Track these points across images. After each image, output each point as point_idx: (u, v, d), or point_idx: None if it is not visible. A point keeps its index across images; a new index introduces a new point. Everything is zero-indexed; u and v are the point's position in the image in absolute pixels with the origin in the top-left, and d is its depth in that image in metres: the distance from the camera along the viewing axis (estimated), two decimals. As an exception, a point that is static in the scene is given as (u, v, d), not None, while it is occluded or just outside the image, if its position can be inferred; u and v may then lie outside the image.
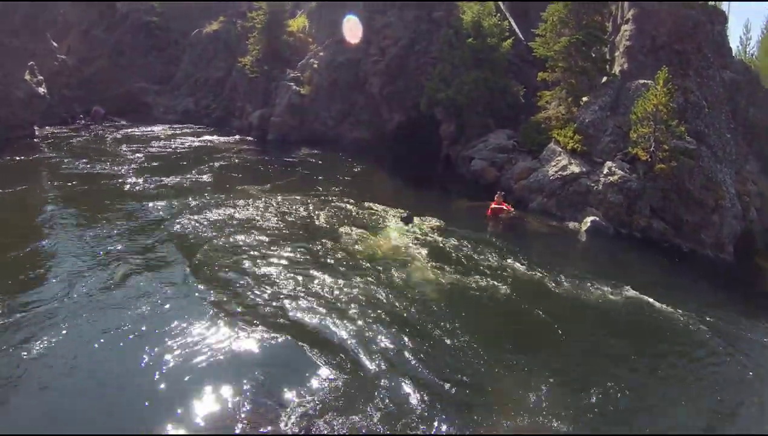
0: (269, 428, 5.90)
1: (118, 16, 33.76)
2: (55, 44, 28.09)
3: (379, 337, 7.85)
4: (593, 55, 17.80)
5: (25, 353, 6.86)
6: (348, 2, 23.93)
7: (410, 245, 11.79)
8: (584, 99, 17.60)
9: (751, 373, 8.53)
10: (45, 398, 6.22)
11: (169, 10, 33.23)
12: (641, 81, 16.81)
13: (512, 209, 14.98)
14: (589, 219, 14.71)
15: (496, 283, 10.54)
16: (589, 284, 11.36)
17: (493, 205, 14.96)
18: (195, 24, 31.92)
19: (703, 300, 11.37)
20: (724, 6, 25.52)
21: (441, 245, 12.12)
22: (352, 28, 23.43)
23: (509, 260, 11.80)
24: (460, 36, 19.66)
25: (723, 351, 9.10)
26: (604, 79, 17.83)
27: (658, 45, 17.81)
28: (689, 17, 18.03)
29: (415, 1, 22.40)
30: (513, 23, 21.23)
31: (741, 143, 19.65)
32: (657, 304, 10.51)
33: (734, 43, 28.07)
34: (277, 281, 9.37)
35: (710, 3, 19.46)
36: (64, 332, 7.36)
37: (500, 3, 21.69)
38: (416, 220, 13.24)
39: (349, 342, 7.64)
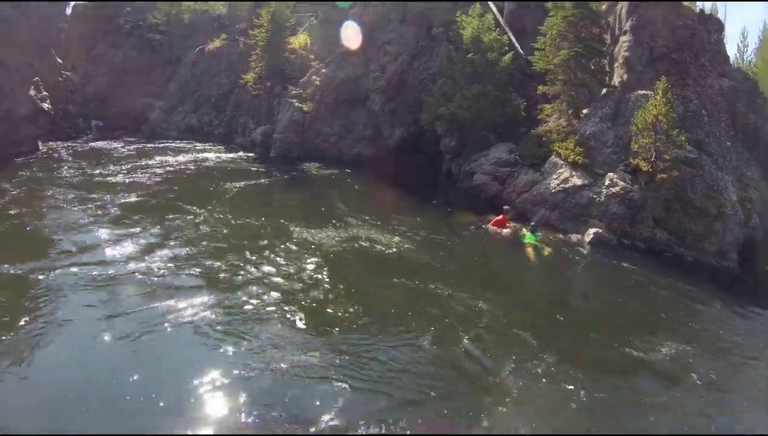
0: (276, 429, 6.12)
1: (122, 33, 34.28)
2: (59, 60, 28.53)
3: (389, 343, 8.25)
4: (592, 68, 17.97)
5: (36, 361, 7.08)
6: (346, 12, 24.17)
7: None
8: (584, 111, 17.74)
9: (756, 376, 8.70)
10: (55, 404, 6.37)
11: (174, 28, 33.70)
12: (641, 92, 16.95)
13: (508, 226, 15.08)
14: (592, 231, 14.81)
15: (500, 293, 10.69)
16: (592, 294, 11.50)
17: (496, 220, 15.09)
18: (198, 42, 32.32)
19: (708, 308, 11.48)
20: (720, 14, 25.74)
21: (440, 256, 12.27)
22: (351, 35, 23.59)
23: (513, 271, 11.94)
24: (460, 51, 19.86)
25: (730, 356, 9.28)
26: (604, 90, 17.97)
27: (656, 56, 18.00)
28: (686, 27, 18.23)
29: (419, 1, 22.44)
30: (512, 37, 21.44)
31: (741, 150, 19.74)
32: (661, 312, 10.63)
33: (731, 51, 28.24)
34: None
35: (707, 7, 19.66)
36: (77, 346, 7.50)
37: (499, 19, 21.89)
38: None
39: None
